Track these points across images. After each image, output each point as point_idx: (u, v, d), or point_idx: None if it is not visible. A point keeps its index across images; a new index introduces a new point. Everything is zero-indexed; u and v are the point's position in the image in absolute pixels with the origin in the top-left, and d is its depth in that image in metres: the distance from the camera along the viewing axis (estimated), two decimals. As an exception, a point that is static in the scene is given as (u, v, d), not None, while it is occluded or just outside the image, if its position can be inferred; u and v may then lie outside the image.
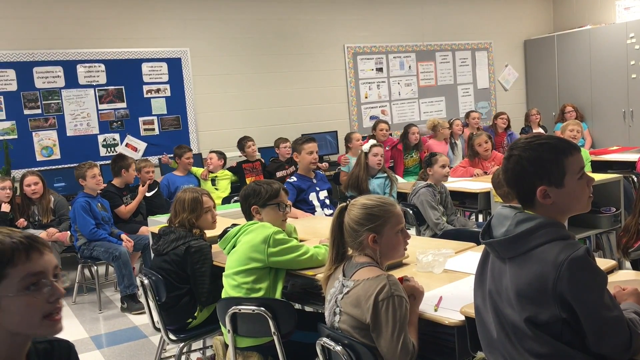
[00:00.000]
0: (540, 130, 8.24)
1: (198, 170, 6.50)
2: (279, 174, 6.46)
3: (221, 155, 6.61)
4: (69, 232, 5.14)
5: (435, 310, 2.19)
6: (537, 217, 1.70)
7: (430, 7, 8.85)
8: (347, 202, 2.30)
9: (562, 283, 1.58)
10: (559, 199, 1.69)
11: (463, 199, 4.98)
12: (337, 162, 7.50)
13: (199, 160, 6.88)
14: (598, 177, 4.45)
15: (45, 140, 6.48)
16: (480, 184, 4.98)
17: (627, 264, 3.17)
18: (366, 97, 8.42)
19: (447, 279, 2.56)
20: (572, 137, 5.65)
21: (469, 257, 2.81)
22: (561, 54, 9.21)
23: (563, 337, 1.63)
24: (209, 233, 3.39)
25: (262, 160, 6.87)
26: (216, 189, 6.42)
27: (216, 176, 6.52)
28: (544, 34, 9.63)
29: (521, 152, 1.71)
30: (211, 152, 6.64)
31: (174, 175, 6.36)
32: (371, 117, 8.23)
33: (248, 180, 6.56)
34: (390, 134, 7.70)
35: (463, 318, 2.07)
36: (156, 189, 6.02)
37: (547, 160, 1.69)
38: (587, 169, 5.38)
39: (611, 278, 2.25)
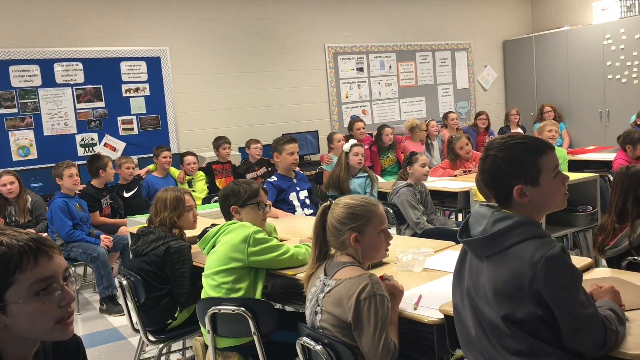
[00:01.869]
0: (519, 130, 8.32)
1: (175, 172, 6.41)
2: (248, 176, 6.42)
3: (196, 156, 6.53)
4: (46, 233, 5.07)
5: (415, 309, 2.21)
6: (514, 216, 1.72)
7: (411, 8, 8.89)
8: (329, 201, 2.30)
9: (538, 281, 1.60)
10: (535, 198, 1.72)
11: (443, 198, 5.01)
12: (318, 162, 7.50)
13: (178, 161, 6.80)
14: (575, 176, 4.51)
15: (21, 140, 6.38)
16: (459, 184, 5.01)
17: (603, 261, 3.22)
18: (347, 97, 8.43)
19: (426, 277, 2.58)
20: (550, 138, 5.70)
21: (448, 256, 2.82)
22: (539, 55, 9.32)
23: (539, 334, 1.65)
24: (188, 233, 3.37)
25: (231, 162, 6.76)
26: (193, 190, 6.34)
27: (192, 178, 6.44)
28: (522, 35, 9.73)
29: (497, 153, 1.73)
30: (188, 154, 6.44)
31: (154, 177, 6.26)
32: (352, 117, 8.24)
33: (217, 182, 6.51)
34: (370, 133, 7.73)
35: (442, 316, 2.09)
36: (136, 189, 5.95)
37: (522, 160, 1.71)
38: (565, 168, 5.44)
39: (587, 276, 2.29)
